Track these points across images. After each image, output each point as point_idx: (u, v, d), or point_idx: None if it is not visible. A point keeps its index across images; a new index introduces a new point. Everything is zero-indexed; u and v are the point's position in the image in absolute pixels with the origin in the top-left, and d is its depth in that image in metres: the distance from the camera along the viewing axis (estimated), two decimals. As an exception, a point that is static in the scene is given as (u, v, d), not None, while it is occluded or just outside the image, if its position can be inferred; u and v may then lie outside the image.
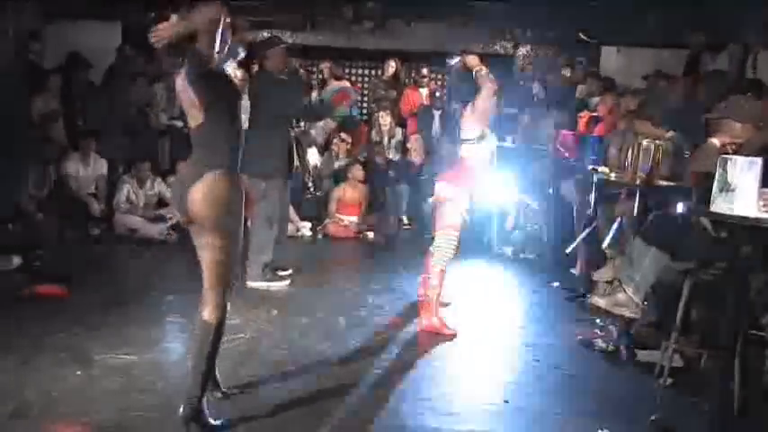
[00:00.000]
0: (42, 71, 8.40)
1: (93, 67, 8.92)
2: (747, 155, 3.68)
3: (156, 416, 3.61)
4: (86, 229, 7.78)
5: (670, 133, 5.77)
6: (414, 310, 5.63)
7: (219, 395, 3.76)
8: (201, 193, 3.28)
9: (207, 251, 3.38)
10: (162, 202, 8.05)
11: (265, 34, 9.60)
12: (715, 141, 4.37)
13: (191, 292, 3.46)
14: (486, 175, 5.39)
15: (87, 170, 8.10)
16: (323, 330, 5.06)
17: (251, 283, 6.00)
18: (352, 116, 10.19)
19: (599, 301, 4.62)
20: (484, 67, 5.15)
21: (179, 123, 8.39)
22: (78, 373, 4.09)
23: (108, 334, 4.69)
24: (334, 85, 9.92)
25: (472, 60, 5.16)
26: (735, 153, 3.91)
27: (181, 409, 3.39)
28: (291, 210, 7.72)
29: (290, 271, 6.29)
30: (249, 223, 6.10)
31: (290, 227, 7.63)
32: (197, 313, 3.43)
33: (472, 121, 5.14)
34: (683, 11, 8.57)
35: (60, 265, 6.42)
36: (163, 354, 4.46)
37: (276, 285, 6.06)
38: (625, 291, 4.44)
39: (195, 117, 3.34)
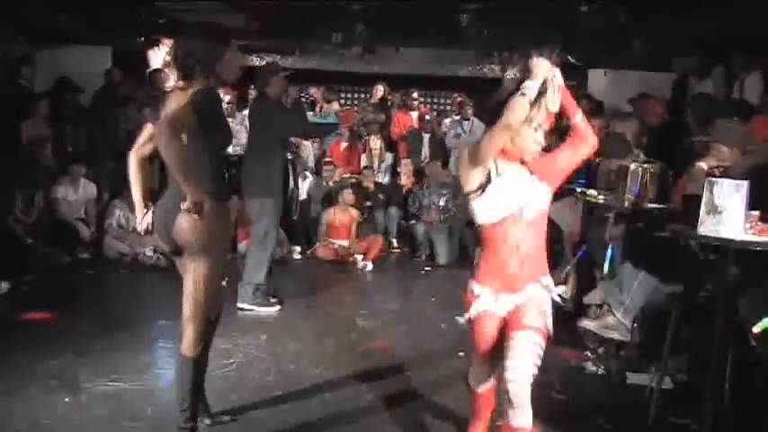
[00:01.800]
0: (32, 96, 8.40)
1: (84, 91, 8.95)
2: (734, 178, 3.71)
3: (146, 443, 3.59)
4: (76, 254, 7.75)
5: (641, 156, 5.79)
6: (402, 333, 5.62)
7: (208, 422, 3.72)
8: (187, 220, 3.23)
9: (190, 278, 3.32)
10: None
11: (255, 58, 9.69)
12: (703, 165, 4.42)
13: (181, 317, 3.43)
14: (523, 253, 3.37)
15: (76, 194, 8.09)
16: (312, 355, 5.03)
17: (240, 305, 5.96)
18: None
19: (589, 324, 4.64)
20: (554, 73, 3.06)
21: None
22: (67, 400, 4.05)
23: (97, 360, 4.66)
24: (329, 108, 10.04)
25: (536, 65, 3.04)
26: (722, 176, 3.94)
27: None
28: (282, 233, 7.73)
29: (280, 303, 6.22)
30: (244, 244, 6.10)
31: (280, 250, 7.62)
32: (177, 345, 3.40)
33: (470, 162, 3.12)
34: (669, 34, 8.65)
35: (49, 291, 6.39)
36: (153, 380, 4.42)
37: (265, 310, 6.03)
38: (614, 314, 4.46)
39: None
